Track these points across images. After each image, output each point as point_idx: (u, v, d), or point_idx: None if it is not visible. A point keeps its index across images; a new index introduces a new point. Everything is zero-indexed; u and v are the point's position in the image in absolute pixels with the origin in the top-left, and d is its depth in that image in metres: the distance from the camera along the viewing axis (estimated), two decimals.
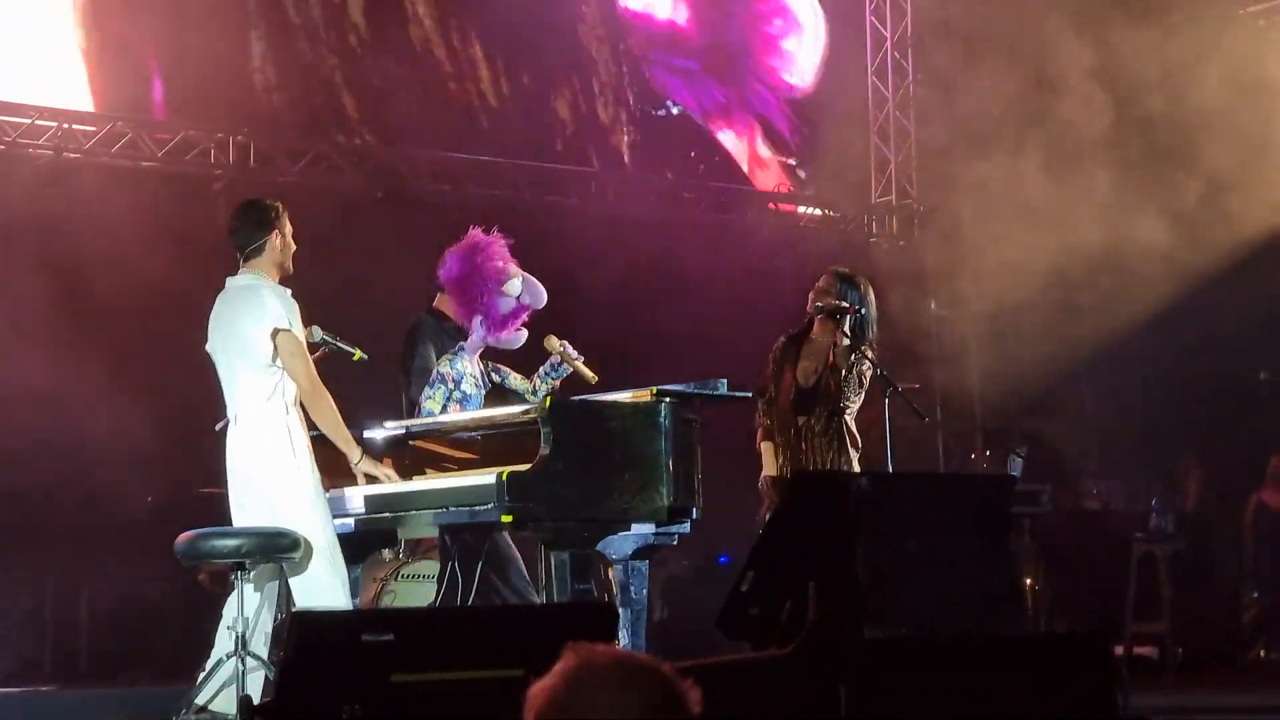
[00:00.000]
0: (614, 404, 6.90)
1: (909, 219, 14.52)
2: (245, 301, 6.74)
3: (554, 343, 7.72)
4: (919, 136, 14.34)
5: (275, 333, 6.63)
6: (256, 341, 6.66)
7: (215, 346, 6.84)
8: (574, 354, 7.73)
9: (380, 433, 7.41)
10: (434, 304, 8.29)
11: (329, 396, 6.74)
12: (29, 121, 11.04)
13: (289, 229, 6.90)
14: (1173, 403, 13.08)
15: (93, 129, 11.27)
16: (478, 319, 7.68)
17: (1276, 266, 12.63)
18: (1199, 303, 12.70)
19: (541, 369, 7.82)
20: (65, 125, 11.20)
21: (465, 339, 7.77)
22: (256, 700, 6.03)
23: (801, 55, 14.40)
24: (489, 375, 7.82)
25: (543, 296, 7.77)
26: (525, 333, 7.80)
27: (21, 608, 10.25)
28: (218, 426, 7.37)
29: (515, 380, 7.87)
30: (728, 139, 14.13)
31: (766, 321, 9.23)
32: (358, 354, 6.98)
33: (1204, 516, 12.31)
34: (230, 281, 6.86)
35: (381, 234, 11.67)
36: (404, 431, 7.39)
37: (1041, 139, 12.95)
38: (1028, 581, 11.40)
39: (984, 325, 13.53)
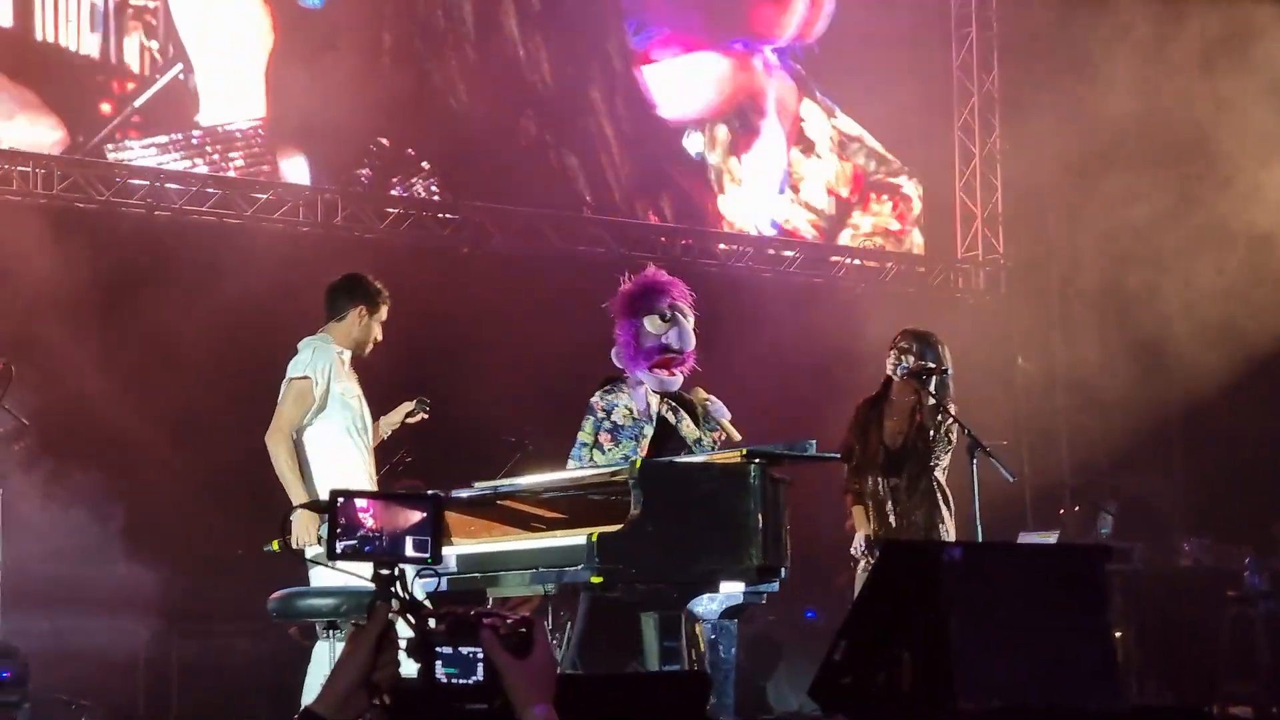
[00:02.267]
0: (704, 465, 6.91)
1: (996, 274, 14.48)
2: (291, 362, 6.97)
3: (700, 394, 7.67)
4: (1005, 190, 14.32)
5: (290, 381, 6.86)
6: None
7: None
8: (715, 409, 7.67)
9: (466, 492, 7.45)
10: None
11: (287, 445, 6.88)
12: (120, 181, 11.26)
13: (381, 315, 7.07)
14: (1265, 458, 12.93)
15: (181, 187, 11.45)
16: (615, 350, 7.68)
17: None
18: None
19: (702, 418, 7.77)
20: (157, 184, 11.38)
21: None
22: None
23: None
24: (664, 414, 7.75)
25: (689, 341, 7.70)
26: (679, 378, 7.71)
27: (115, 657, 10.33)
28: None
29: (686, 428, 7.73)
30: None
31: (847, 381, 9.22)
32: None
33: None
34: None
35: (471, 289, 11.78)
36: (492, 491, 7.42)
37: (1126, 189, 12.90)
38: (1118, 635, 11.28)
39: (1072, 381, 13.46)
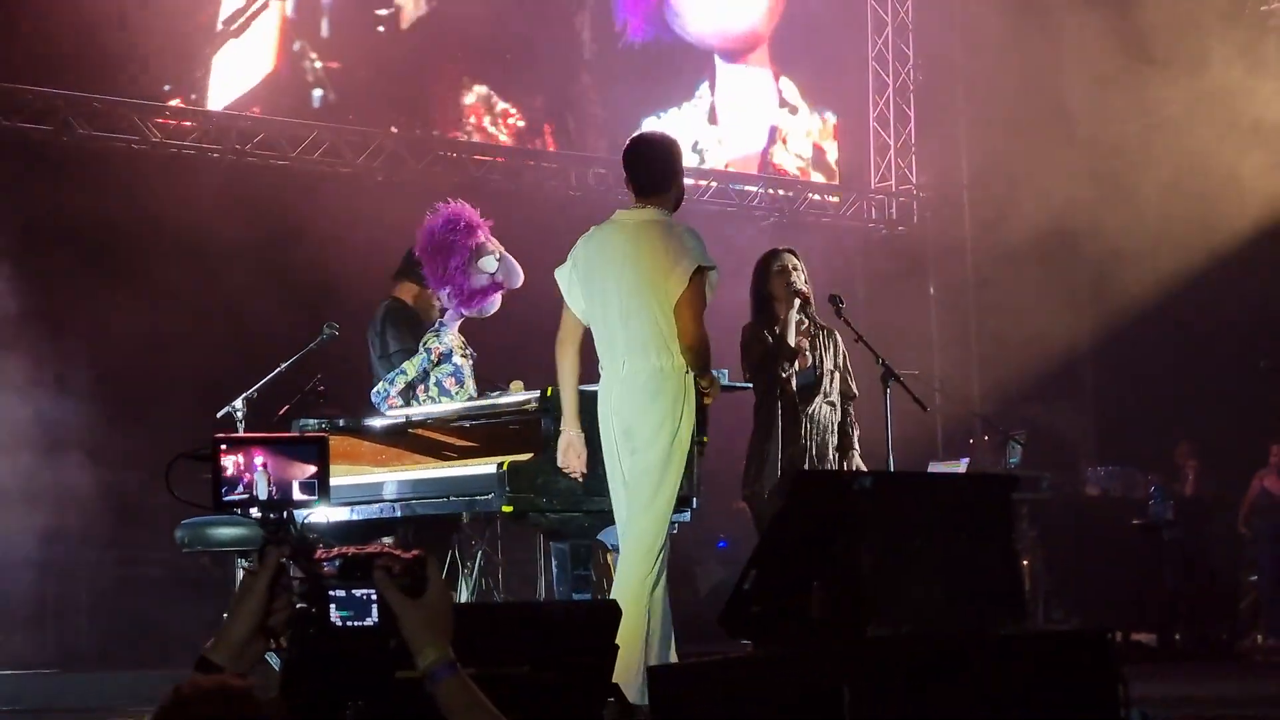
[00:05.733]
0: None
1: (908, 205, 14.50)
2: (662, 238, 6.12)
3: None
4: (919, 122, 14.33)
5: (703, 271, 6.06)
6: (671, 281, 6.07)
7: (606, 287, 6.19)
8: None
9: (380, 421, 7.41)
10: (394, 293, 8.15)
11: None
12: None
13: None
14: (1171, 389, 13.09)
15: None
16: (446, 291, 7.60)
17: (1277, 255, 12.64)
18: (1199, 290, 12.71)
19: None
20: None
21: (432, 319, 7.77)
22: None
23: None
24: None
25: (519, 277, 7.67)
26: (499, 300, 7.73)
27: (23, 592, 10.21)
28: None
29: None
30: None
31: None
32: None
33: (1202, 503, 12.32)
34: (625, 216, 6.24)
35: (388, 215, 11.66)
36: (404, 420, 7.38)
37: (1043, 122, 12.96)
38: (1025, 563, 11.41)
39: (984, 311, 13.55)
